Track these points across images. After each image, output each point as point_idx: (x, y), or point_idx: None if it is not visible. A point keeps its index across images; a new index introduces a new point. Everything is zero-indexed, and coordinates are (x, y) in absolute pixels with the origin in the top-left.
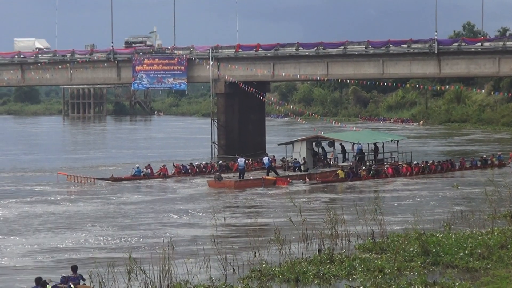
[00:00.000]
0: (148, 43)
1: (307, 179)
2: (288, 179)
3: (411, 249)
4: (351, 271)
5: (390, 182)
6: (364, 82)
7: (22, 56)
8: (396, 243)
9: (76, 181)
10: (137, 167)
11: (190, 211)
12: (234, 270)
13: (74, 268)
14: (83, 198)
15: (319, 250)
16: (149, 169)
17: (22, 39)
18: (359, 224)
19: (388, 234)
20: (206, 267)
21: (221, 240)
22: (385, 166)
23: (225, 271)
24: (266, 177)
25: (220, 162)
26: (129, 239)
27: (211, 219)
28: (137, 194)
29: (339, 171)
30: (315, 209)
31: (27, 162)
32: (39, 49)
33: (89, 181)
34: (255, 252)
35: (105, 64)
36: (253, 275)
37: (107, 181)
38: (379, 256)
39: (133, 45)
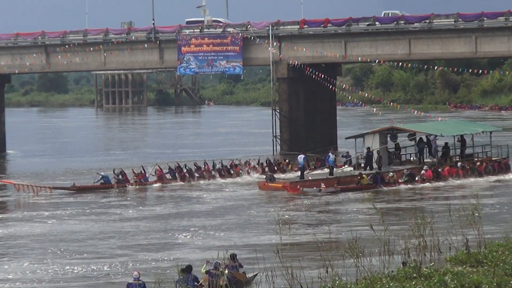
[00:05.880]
0: None
1: (322, 185)
2: (298, 186)
3: None
4: (442, 287)
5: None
6: (454, 62)
7: (46, 37)
8: (494, 254)
9: (26, 191)
10: (103, 174)
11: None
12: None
13: (233, 256)
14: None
15: (404, 263)
16: (120, 176)
17: None
18: (451, 232)
19: (485, 243)
20: (269, 285)
21: (284, 253)
22: (424, 168)
23: None
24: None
25: (236, 160)
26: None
27: (275, 227)
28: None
29: (364, 175)
30: (396, 217)
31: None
32: None
33: (45, 190)
34: (327, 267)
35: (145, 45)
36: None
37: (69, 191)
38: (475, 270)
39: None
